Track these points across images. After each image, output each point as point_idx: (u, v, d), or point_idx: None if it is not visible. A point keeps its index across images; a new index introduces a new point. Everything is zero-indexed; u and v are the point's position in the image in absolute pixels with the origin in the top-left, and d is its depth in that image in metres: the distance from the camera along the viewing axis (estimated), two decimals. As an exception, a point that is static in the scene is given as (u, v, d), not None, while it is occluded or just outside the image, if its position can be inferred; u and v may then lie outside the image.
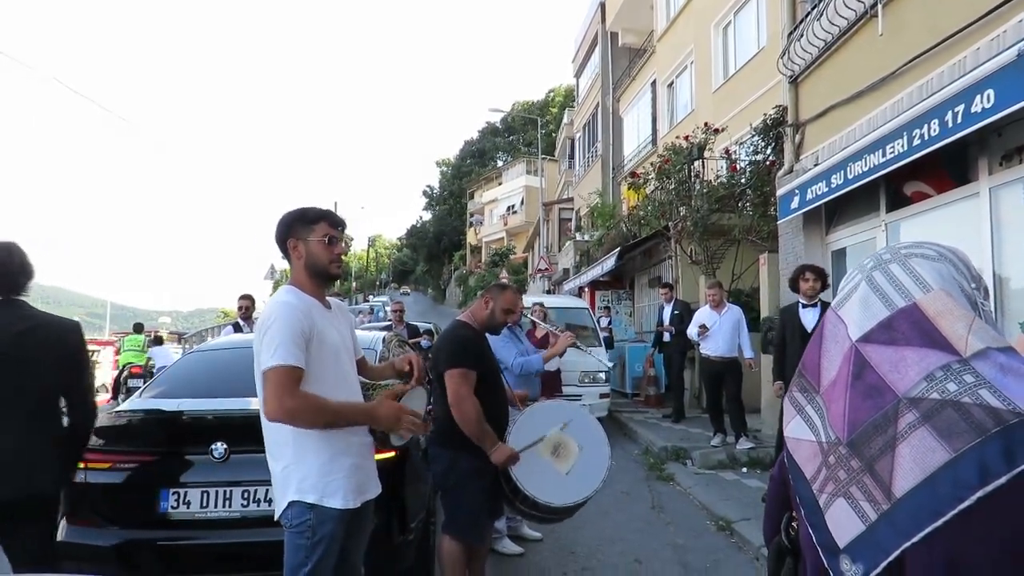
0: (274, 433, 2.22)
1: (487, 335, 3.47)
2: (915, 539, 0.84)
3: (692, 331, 7.64)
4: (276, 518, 2.25)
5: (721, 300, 7.49)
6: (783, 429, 1.10)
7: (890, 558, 0.86)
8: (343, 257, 2.38)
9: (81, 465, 2.93)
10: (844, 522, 0.92)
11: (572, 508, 3.17)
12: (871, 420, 0.92)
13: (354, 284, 60.50)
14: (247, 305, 7.53)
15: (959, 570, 0.82)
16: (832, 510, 0.94)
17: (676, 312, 9.25)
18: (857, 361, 0.97)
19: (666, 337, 9.30)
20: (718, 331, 7.33)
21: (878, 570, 0.87)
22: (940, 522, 0.82)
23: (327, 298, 2.42)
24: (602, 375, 8.94)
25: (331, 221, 2.34)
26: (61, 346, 2.58)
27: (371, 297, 48.69)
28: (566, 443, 3.17)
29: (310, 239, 2.30)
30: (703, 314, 7.58)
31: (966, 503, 0.81)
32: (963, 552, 0.82)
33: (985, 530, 0.81)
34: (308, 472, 2.18)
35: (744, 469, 6.58)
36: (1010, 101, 4.10)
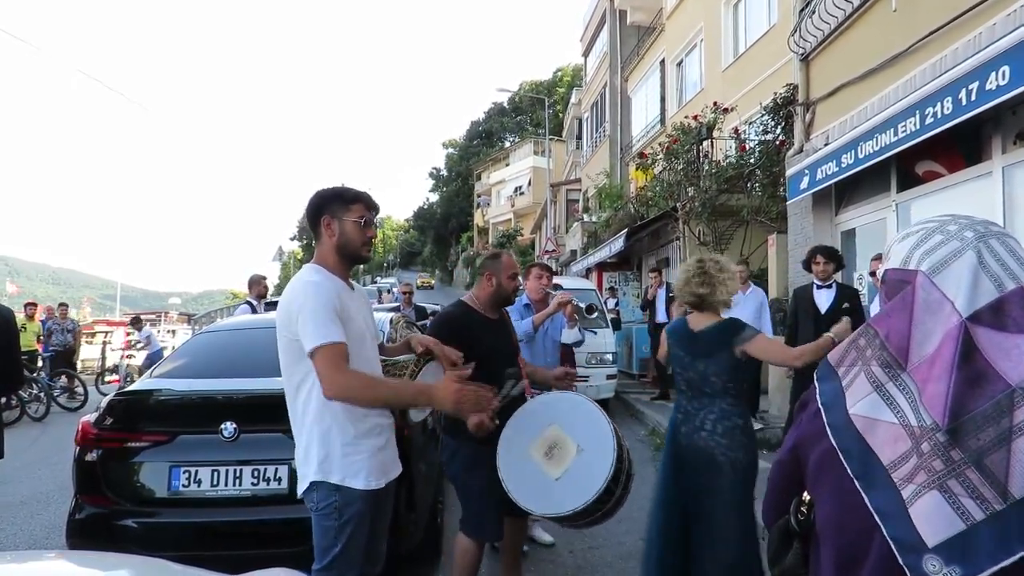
0: (299, 410, 2.20)
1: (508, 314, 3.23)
2: None
3: None
4: (299, 495, 2.23)
5: (746, 279, 7.24)
6: (849, 407, 0.98)
7: (999, 565, 0.78)
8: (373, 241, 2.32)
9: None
10: (936, 518, 0.83)
11: (562, 518, 2.69)
12: (980, 409, 0.83)
13: (362, 265, 60.59)
14: (266, 283, 7.77)
15: None
16: (920, 503, 0.85)
17: (670, 295, 9.26)
18: (966, 341, 0.87)
19: (661, 318, 9.31)
20: (741, 311, 7.10)
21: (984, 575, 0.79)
22: None
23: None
24: (609, 356, 8.95)
25: (367, 203, 2.29)
26: (10, 325, 3.59)
27: (378, 279, 48.87)
28: (563, 443, 2.73)
29: (345, 218, 2.25)
30: None
31: None
32: None
33: None
34: (331, 451, 2.15)
35: (750, 450, 6.59)
36: (1026, 78, 4.02)
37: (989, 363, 0.84)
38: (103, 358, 15.29)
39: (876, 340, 0.97)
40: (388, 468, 2.31)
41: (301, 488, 2.21)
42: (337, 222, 2.25)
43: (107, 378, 13.31)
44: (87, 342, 18.18)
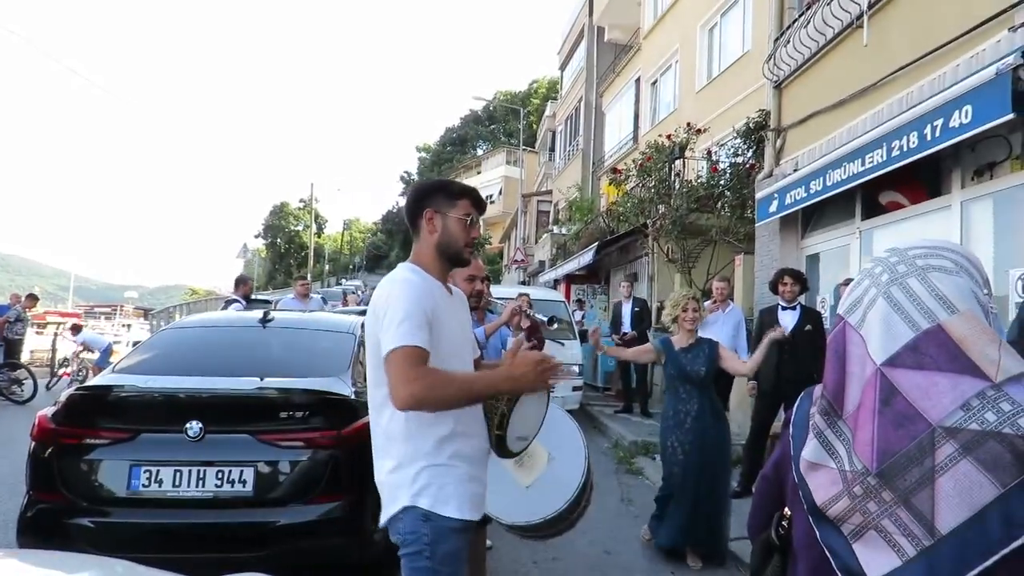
0: (383, 424, 1.93)
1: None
2: None
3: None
4: (383, 523, 1.96)
5: (726, 297, 7.02)
6: (802, 451, 1.03)
7: None
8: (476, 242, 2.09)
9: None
10: (876, 554, 0.89)
11: (531, 528, 2.66)
12: (904, 450, 0.88)
13: (327, 266, 59.91)
14: (252, 283, 7.82)
15: None
16: (860, 542, 0.91)
17: (636, 310, 9.27)
18: (884, 386, 0.92)
19: (627, 328, 9.29)
20: (720, 329, 6.77)
21: None
22: (990, 562, 0.80)
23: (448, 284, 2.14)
24: (576, 368, 9.01)
25: (475, 200, 2.07)
26: None
27: (343, 281, 48.38)
28: (534, 451, 2.62)
29: (450, 214, 2.01)
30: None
31: (1020, 542, 0.79)
32: None
33: None
34: (421, 472, 1.87)
35: (711, 465, 6.67)
36: (987, 118, 4.21)
37: (911, 403, 0.89)
38: (53, 350, 14.76)
39: (821, 392, 1.04)
40: (479, 503, 2.01)
41: (386, 516, 1.92)
42: (440, 217, 2.01)
43: (58, 371, 12.86)
44: (37, 333, 17.57)
